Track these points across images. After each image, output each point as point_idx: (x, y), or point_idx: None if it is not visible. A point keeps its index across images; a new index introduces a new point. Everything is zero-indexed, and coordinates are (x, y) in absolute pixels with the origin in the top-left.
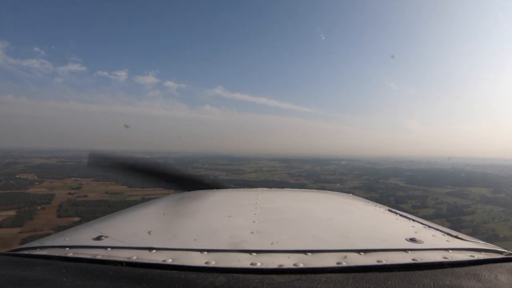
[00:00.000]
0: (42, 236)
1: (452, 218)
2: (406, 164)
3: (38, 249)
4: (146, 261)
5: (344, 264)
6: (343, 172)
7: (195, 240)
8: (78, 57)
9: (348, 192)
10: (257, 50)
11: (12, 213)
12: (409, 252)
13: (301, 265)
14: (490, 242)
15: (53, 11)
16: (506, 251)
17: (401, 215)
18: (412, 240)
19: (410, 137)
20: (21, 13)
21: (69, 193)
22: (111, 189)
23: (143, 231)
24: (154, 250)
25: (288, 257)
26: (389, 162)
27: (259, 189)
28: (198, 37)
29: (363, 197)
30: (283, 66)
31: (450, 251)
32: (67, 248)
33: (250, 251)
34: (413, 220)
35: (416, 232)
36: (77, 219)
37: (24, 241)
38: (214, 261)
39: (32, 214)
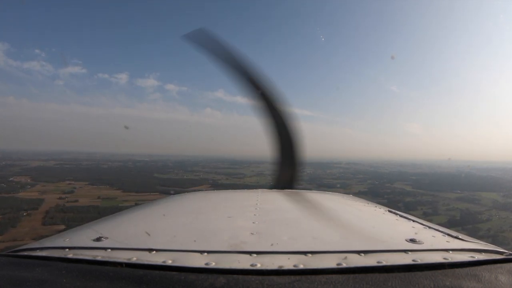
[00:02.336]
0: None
1: (467, 227)
2: (410, 167)
3: (38, 250)
4: (146, 262)
5: (344, 265)
6: (347, 176)
7: (195, 241)
8: (78, 59)
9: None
10: (258, 53)
11: None
12: (409, 253)
13: (301, 266)
14: None
15: (54, 14)
16: (506, 251)
17: (401, 215)
18: (412, 241)
19: (411, 140)
20: (22, 15)
21: (60, 198)
22: (105, 193)
23: (143, 232)
24: (154, 251)
25: (288, 258)
26: (392, 165)
27: (259, 190)
28: None
29: None
30: (284, 69)
31: (450, 251)
32: (67, 249)
33: (250, 252)
34: (413, 221)
35: (416, 233)
36: (62, 227)
37: (0, 251)
38: (214, 262)
39: (16, 221)
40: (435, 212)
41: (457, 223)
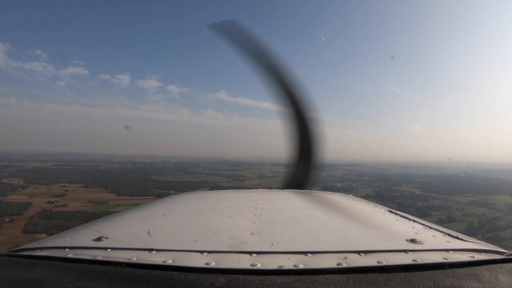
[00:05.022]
0: None
1: (489, 235)
2: (415, 169)
3: (38, 250)
4: (146, 262)
5: (344, 265)
6: (352, 178)
7: (195, 241)
8: (80, 60)
9: None
10: None
11: None
12: (410, 253)
13: (301, 266)
14: None
15: (55, 14)
16: (506, 251)
17: (401, 215)
18: (413, 241)
19: (414, 142)
20: (23, 15)
21: (49, 202)
22: (97, 197)
23: (143, 232)
24: (154, 251)
25: (288, 258)
26: (396, 167)
27: (259, 190)
28: (201, 41)
29: None
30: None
31: (451, 251)
32: (67, 249)
33: (250, 252)
34: (413, 221)
35: (416, 233)
36: (43, 235)
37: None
38: (214, 262)
39: None
40: (451, 219)
41: (477, 230)
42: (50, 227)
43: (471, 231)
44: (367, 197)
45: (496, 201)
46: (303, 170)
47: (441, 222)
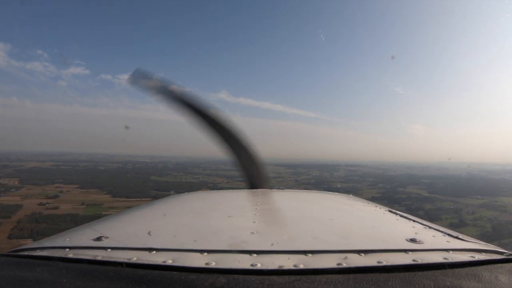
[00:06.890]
0: None
1: (505, 241)
2: (418, 170)
3: (38, 250)
4: (146, 262)
5: (344, 265)
6: (356, 179)
7: (195, 241)
8: (81, 60)
9: None
10: (261, 54)
11: None
12: (410, 252)
13: (301, 266)
14: None
15: (56, 14)
16: (506, 251)
17: (401, 215)
18: (413, 240)
19: (415, 142)
20: (24, 15)
21: (40, 204)
22: (91, 199)
23: (143, 232)
24: (154, 251)
25: (288, 258)
26: (399, 167)
27: (259, 190)
28: (202, 40)
29: None
30: (287, 71)
31: (451, 251)
32: (67, 249)
33: (250, 252)
34: (413, 221)
35: (416, 233)
36: (29, 241)
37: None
38: (214, 262)
39: None
40: (462, 223)
41: (492, 236)
42: (36, 232)
43: (485, 237)
44: (374, 199)
45: (506, 203)
46: (251, 168)
47: (453, 226)
